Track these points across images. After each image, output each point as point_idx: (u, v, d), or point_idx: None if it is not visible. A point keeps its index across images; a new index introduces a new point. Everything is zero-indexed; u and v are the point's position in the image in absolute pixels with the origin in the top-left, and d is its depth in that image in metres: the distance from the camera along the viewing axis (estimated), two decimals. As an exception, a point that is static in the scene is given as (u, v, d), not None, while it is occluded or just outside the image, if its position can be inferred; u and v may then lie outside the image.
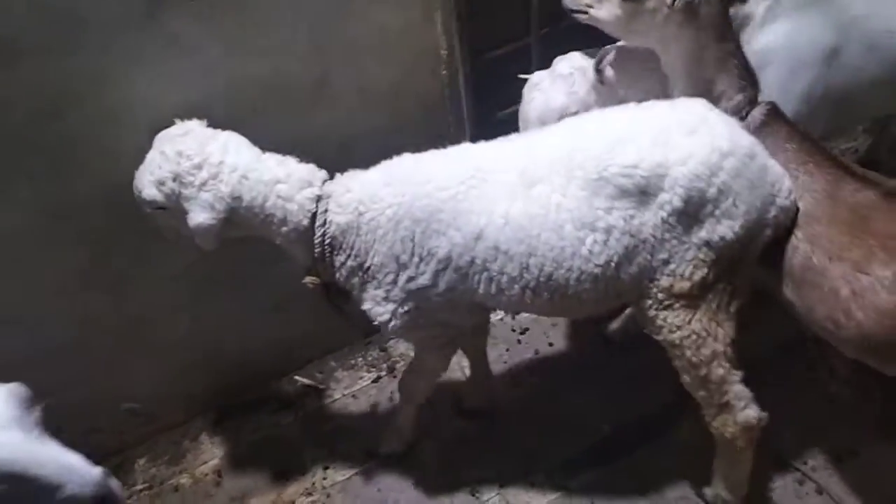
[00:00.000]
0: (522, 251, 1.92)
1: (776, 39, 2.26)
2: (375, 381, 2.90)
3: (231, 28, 2.07)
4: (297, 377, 2.92)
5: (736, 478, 2.28)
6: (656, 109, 1.96)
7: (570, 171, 1.88)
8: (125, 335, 2.48)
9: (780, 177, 1.93)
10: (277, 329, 2.76)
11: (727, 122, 1.92)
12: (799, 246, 1.95)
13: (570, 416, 2.67)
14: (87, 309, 2.35)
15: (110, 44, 1.94)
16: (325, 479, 2.59)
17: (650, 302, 2.00)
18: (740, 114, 2.04)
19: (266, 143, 2.04)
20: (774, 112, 2.03)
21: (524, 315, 2.95)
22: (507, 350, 2.92)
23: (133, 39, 1.96)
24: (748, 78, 2.07)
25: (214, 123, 2.04)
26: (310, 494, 2.56)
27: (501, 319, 2.99)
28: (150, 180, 1.95)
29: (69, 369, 2.38)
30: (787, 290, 2.01)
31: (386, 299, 2.05)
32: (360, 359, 2.97)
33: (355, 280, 2.08)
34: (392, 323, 2.08)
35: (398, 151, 2.05)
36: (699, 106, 1.94)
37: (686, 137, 1.85)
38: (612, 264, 1.92)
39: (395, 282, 2.02)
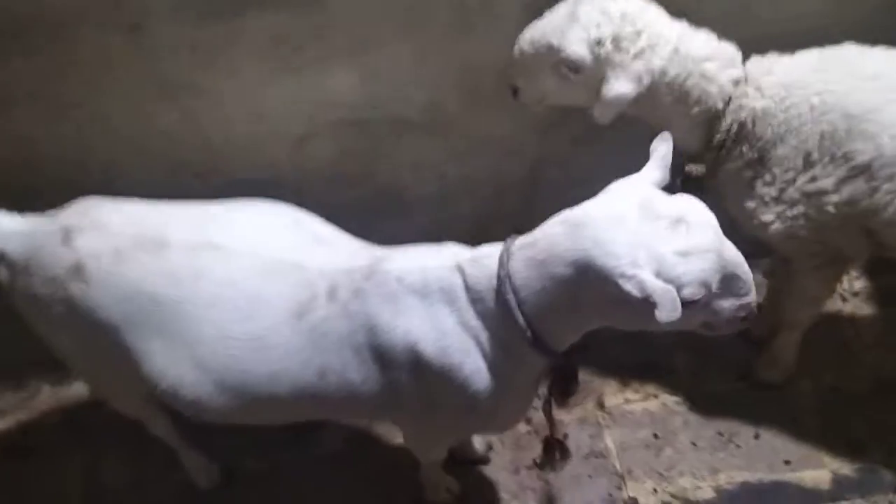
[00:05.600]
0: None
1: None
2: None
3: None
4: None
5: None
6: None
7: None
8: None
9: None
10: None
11: None
12: None
13: None
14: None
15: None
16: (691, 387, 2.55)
17: None
18: None
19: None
20: None
21: None
22: None
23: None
24: None
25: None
26: (674, 394, 2.55)
27: None
28: (583, 38, 1.73)
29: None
30: None
31: (777, 199, 1.86)
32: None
33: (747, 174, 1.89)
34: (774, 226, 1.89)
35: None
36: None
37: None
38: None
39: (794, 180, 1.83)
